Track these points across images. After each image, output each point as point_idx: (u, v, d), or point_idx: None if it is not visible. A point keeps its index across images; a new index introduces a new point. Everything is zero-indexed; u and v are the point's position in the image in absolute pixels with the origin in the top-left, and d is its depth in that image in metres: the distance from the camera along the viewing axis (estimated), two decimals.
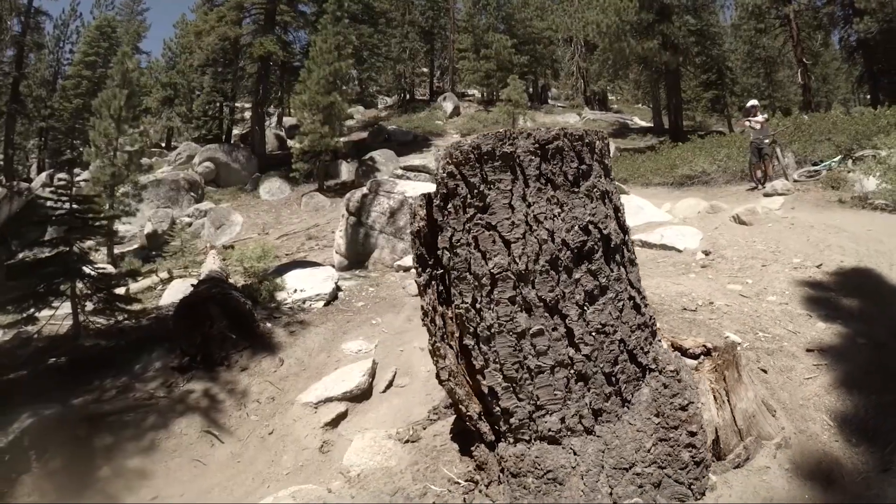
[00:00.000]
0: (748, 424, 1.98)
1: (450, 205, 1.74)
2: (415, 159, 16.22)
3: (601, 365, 1.76)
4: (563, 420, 1.74)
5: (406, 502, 1.82)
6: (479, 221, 1.70)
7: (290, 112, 26.82)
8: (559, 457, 1.72)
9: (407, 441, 2.28)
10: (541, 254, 1.71)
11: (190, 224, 14.45)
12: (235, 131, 25.36)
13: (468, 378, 1.80)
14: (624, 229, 1.87)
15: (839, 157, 10.62)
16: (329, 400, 3.88)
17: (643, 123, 28.56)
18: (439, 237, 1.76)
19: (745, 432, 1.97)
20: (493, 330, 1.71)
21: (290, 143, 22.50)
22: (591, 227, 1.72)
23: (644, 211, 9.15)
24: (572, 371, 1.74)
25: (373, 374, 4.15)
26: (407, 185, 9.77)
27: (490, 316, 1.71)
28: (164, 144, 26.39)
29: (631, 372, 1.81)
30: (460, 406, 1.90)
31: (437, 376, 2.10)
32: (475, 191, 1.70)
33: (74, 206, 5.91)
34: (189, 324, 4.63)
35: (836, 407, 2.25)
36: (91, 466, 3.45)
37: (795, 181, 9.87)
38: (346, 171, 20.93)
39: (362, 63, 20.63)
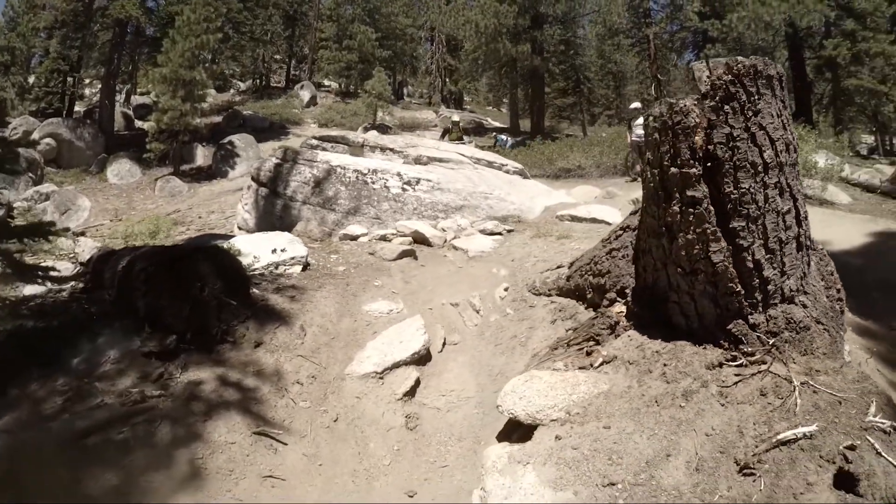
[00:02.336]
0: None
1: (727, 107, 2.15)
2: (332, 130, 15.70)
3: (803, 238, 2.33)
4: (795, 282, 2.28)
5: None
6: (756, 122, 2.14)
7: (137, 90, 24.23)
8: (797, 311, 2.25)
9: (602, 363, 2.51)
10: (787, 150, 2.22)
11: (29, 209, 12.36)
12: (77, 108, 22.26)
13: (729, 260, 2.21)
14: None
15: None
16: (396, 366, 3.41)
17: (497, 124, 31.01)
18: (714, 132, 2.16)
19: None
20: (762, 209, 2.16)
21: (138, 123, 20.27)
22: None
23: (551, 194, 10.25)
24: (797, 242, 2.29)
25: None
26: (329, 155, 9.39)
27: (760, 198, 2.16)
28: None
29: (809, 246, 2.43)
30: (697, 293, 2.31)
31: (643, 269, 2.49)
32: (752, 97, 2.14)
33: None
34: (169, 288, 3.36)
35: None
36: None
37: None
38: (202, 155, 19.54)
39: (227, 40, 19.37)
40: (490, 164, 10.88)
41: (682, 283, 2.34)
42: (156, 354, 3.17)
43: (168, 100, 15.70)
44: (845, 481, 1.61)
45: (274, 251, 5.45)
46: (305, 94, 27.63)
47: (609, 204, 9.51)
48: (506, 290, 4.38)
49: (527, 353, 3.37)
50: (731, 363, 2.18)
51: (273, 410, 2.98)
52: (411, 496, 2.62)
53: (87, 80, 22.43)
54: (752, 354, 2.18)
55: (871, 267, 5.30)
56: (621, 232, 3.06)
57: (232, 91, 29.12)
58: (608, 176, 14.49)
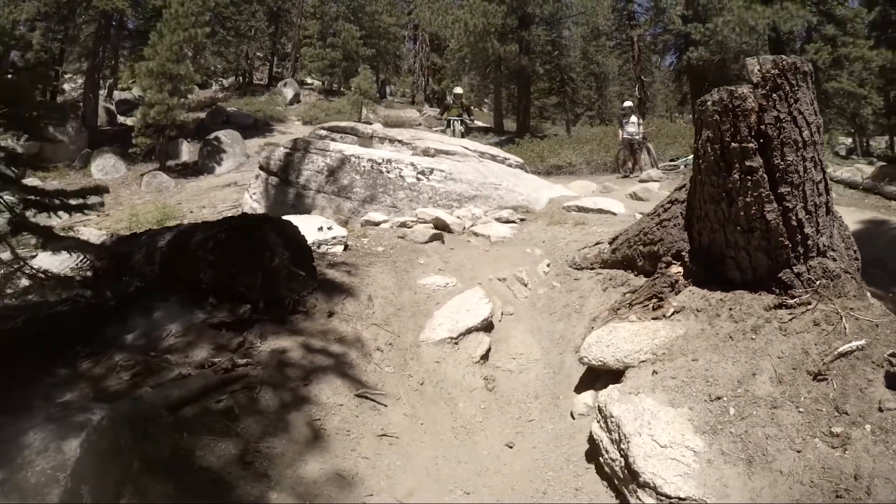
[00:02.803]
0: None
1: (774, 95, 2.66)
2: (340, 121, 15.86)
3: (830, 203, 2.87)
4: (827, 239, 2.81)
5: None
6: (796, 108, 2.67)
7: (119, 85, 24.01)
8: (829, 262, 2.78)
9: (674, 312, 2.99)
10: (819, 132, 2.76)
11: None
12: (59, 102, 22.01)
13: (780, 219, 2.73)
14: None
15: (692, 155, 13.84)
16: (469, 331, 3.63)
17: (480, 123, 31.64)
18: (764, 115, 2.67)
19: None
20: (803, 178, 2.69)
21: (121, 118, 20.12)
22: None
23: (552, 187, 10.77)
24: (826, 207, 2.82)
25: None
26: (341, 145, 9.71)
27: (801, 168, 2.68)
28: None
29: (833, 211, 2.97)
30: (752, 248, 2.83)
31: (697, 234, 3.01)
32: (793, 88, 2.66)
33: None
34: (243, 256, 3.30)
35: None
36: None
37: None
38: (188, 151, 19.65)
39: (214, 35, 19.48)
40: (494, 158, 11.32)
41: (739, 239, 2.85)
42: (227, 325, 3.07)
43: (155, 94, 15.80)
44: (892, 381, 2.13)
45: (320, 229, 5.62)
46: (289, 92, 27.82)
47: (611, 196, 10.04)
48: (548, 265, 4.84)
49: (583, 319, 3.79)
50: (784, 305, 2.69)
51: (364, 374, 3.04)
52: (511, 447, 2.89)
53: (67, 75, 22.17)
54: (800, 297, 2.70)
55: (864, 247, 5.98)
56: (669, 205, 3.55)
57: (214, 87, 29.08)
58: (599, 173, 15.14)
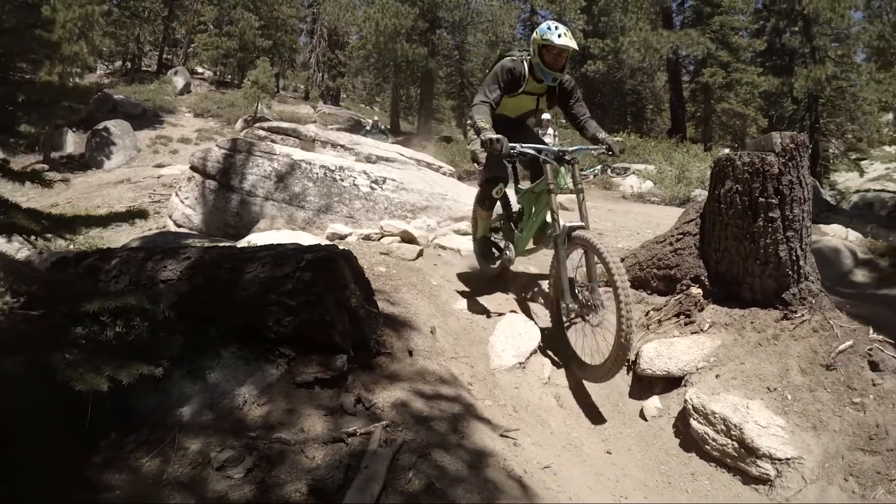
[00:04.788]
0: None
1: (790, 162, 3.60)
2: (281, 122, 14.91)
3: (810, 242, 3.91)
4: (810, 268, 3.82)
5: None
6: (802, 173, 3.63)
7: None
8: (812, 285, 3.80)
9: (710, 326, 3.91)
10: (809, 190, 3.76)
11: None
12: None
13: (787, 255, 3.68)
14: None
15: (599, 166, 15.41)
16: (530, 354, 3.81)
17: None
18: (782, 178, 3.59)
19: None
20: (801, 225, 3.66)
21: None
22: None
23: None
24: (808, 246, 3.84)
25: None
26: (286, 148, 9.59)
27: (801, 218, 3.66)
28: None
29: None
30: (765, 276, 3.76)
31: (715, 263, 3.92)
32: (801, 157, 3.63)
33: None
34: (332, 298, 2.76)
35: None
36: None
37: None
38: (73, 142, 17.96)
39: (109, 15, 17.76)
40: (429, 166, 11.79)
41: (756, 270, 3.79)
42: (320, 382, 2.61)
43: (44, 76, 14.20)
44: (874, 366, 3.13)
45: None
46: (179, 81, 26.12)
47: None
48: (550, 283, 5.52)
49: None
50: (787, 317, 3.65)
51: (483, 412, 2.94)
52: (609, 453, 3.25)
53: None
54: (797, 312, 3.67)
55: None
56: (681, 236, 4.42)
57: (99, 72, 26.31)
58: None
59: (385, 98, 34.83)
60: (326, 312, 2.66)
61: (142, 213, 3.09)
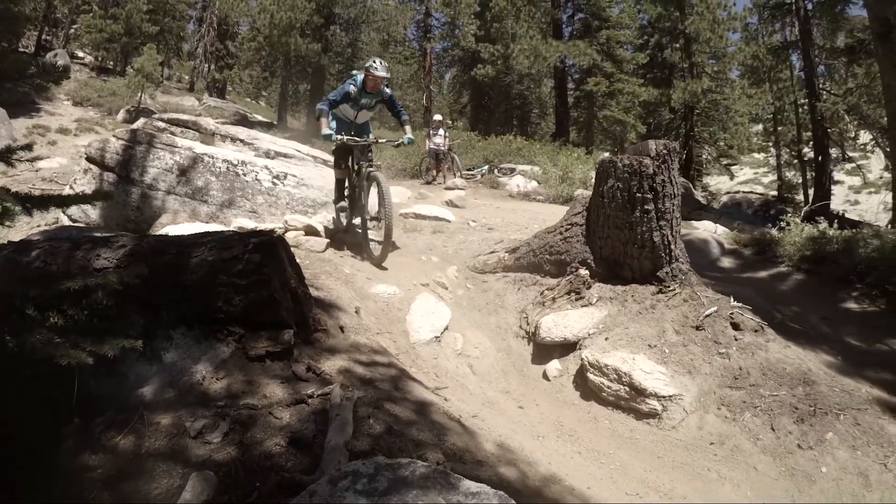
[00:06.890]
0: None
1: (662, 164, 4.34)
2: (181, 115, 13.70)
3: (679, 228, 4.72)
4: (679, 251, 4.61)
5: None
6: (672, 173, 4.40)
7: None
8: (682, 265, 4.59)
9: (598, 300, 4.57)
10: (678, 187, 4.54)
11: None
12: None
13: (660, 240, 4.41)
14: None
15: (486, 166, 16.29)
16: (444, 330, 4.43)
17: (260, 118, 30.86)
18: (656, 177, 4.32)
19: None
20: (671, 215, 4.44)
21: None
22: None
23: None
24: (678, 231, 4.64)
25: None
26: (188, 142, 9.22)
27: (671, 209, 4.42)
28: None
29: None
30: (642, 258, 4.48)
31: (599, 248, 4.61)
32: (671, 159, 4.39)
33: None
34: (279, 278, 2.97)
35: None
36: None
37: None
38: None
39: None
40: (325, 162, 11.79)
41: (634, 253, 4.53)
42: (270, 355, 2.79)
43: None
44: (735, 326, 3.93)
45: None
46: (59, 65, 23.62)
47: (430, 203, 11.30)
48: (457, 271, 6.00)
49: (508, 312, 5.04)
50: (662, 291, 4.40)
51: (412, 375, 3.29)
52: (521, 408, 3.87)
53: None
54: (670, 286, 4.43)
55: None
56: (570, 226, 5.08)
57: None
58: (400, 178, 15.91)
59: (272, 93, 33.76)
60: (275, 291, 2.84)
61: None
